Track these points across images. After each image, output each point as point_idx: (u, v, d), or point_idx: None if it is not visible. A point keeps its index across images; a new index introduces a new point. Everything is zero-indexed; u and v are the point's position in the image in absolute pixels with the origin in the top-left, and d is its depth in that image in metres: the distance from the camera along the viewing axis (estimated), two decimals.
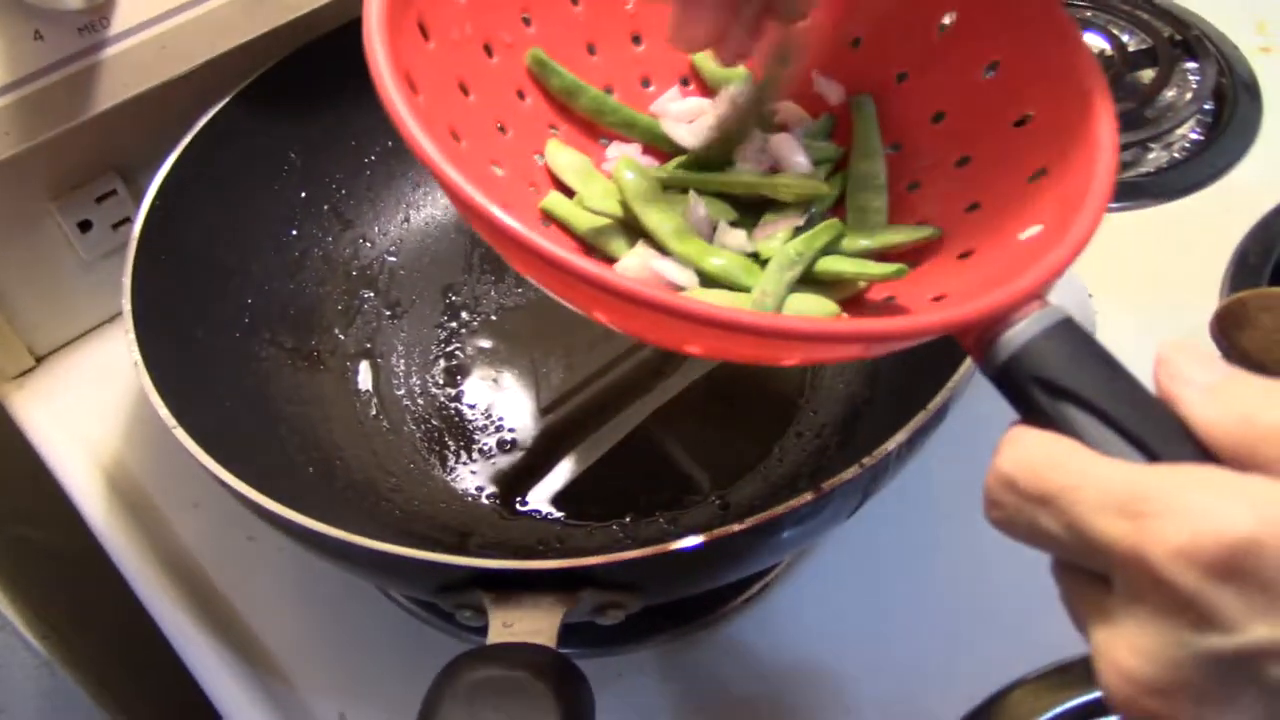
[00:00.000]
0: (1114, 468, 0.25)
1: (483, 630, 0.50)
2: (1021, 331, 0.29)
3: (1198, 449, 0.25)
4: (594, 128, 0.45)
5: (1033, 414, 0.29)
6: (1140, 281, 0.65)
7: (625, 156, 0.43)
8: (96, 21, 0.52)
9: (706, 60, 0.46)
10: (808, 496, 0.39)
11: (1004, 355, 0.29)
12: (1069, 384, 0.28)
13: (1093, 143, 0.34)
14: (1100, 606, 0.25)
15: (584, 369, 0.59)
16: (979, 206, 0.40)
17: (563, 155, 0.43)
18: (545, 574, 0.38)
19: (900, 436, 0.40)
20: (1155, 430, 0.26)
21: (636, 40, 0.46)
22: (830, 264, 0.40)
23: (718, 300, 0.38)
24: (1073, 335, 0.29)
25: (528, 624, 0.38)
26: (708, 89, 0.46)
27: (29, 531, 0.71)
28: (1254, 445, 0.24)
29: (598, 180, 0.42)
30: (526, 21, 0.43)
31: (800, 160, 0.43)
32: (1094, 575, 0.26)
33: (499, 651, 0.36)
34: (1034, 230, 0.35)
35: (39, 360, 0.63)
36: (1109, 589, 0.25)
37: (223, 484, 0.43)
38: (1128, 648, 0.24)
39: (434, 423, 0.57)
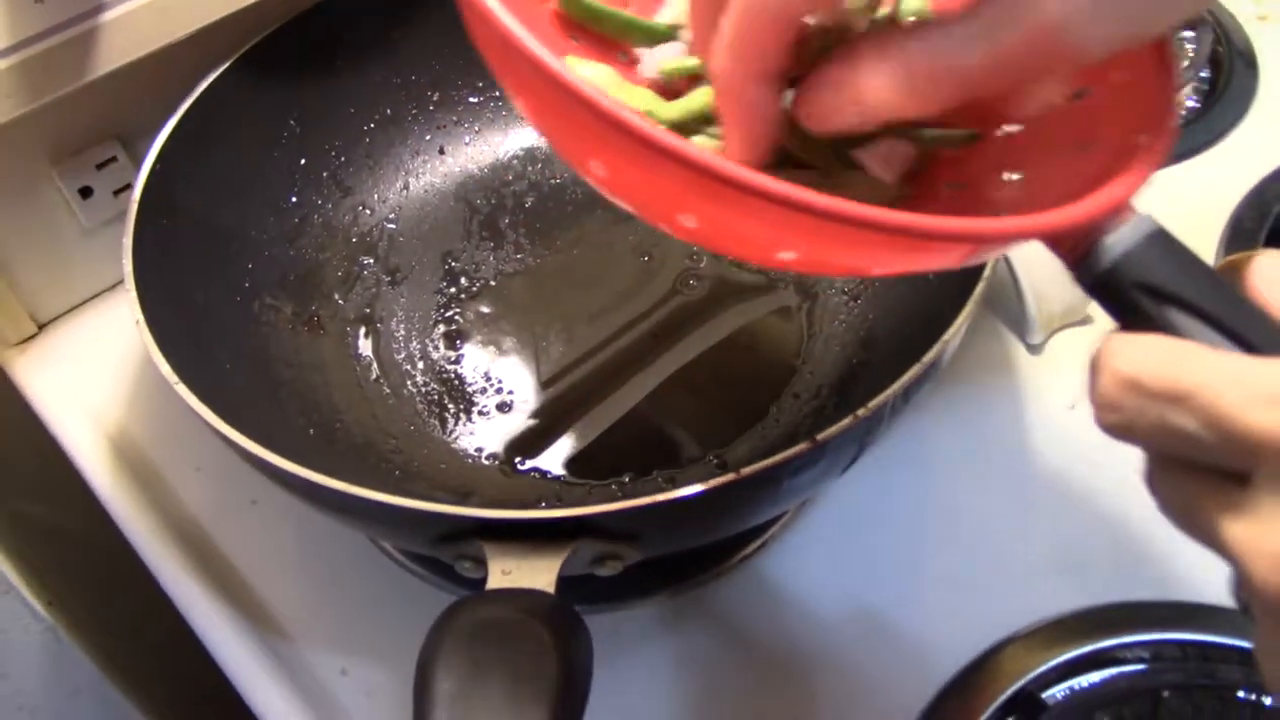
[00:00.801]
0: (1250, 362, 0.25)
1: (482, 583, 0.51)
2: (1122, 238, 0.29)
3: None
4: (611, 45, 0.43)
5: (1135, 321, 0.28)
6: None
7: (672, 57, 0.40)
8: None
9: None
10: (804, 446, 0.39)
11: (1105, 262, 0.29)
12: (1175, 289, 0.28)
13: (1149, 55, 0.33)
14: (1235, 503, 0.25)
15: (585, 341, 0.59)
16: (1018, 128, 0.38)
17: (586, 69, 0.42)
18: (544, 523, 0.39)
19: (895, 388, 0.41)
20: (1263, 333, 0.27)
21: None
22: None
23: None
24: (1170, 242, 0.29)
25: (526, 571, 0.38)
26: None
27: (31, 502, 0.71)
28: None
29: (634, 90, 0.41)
30: None
31: None
32: (1218, 474, 0.26)
33: (497, 596, 0.37)
34: (1087, 147, 0.34)
35: (41, 327, 0.64)
36: (1240, 485, 0.25)
37: (225, 439, 0.43)
38: None
39: (434, 386, 0.58)
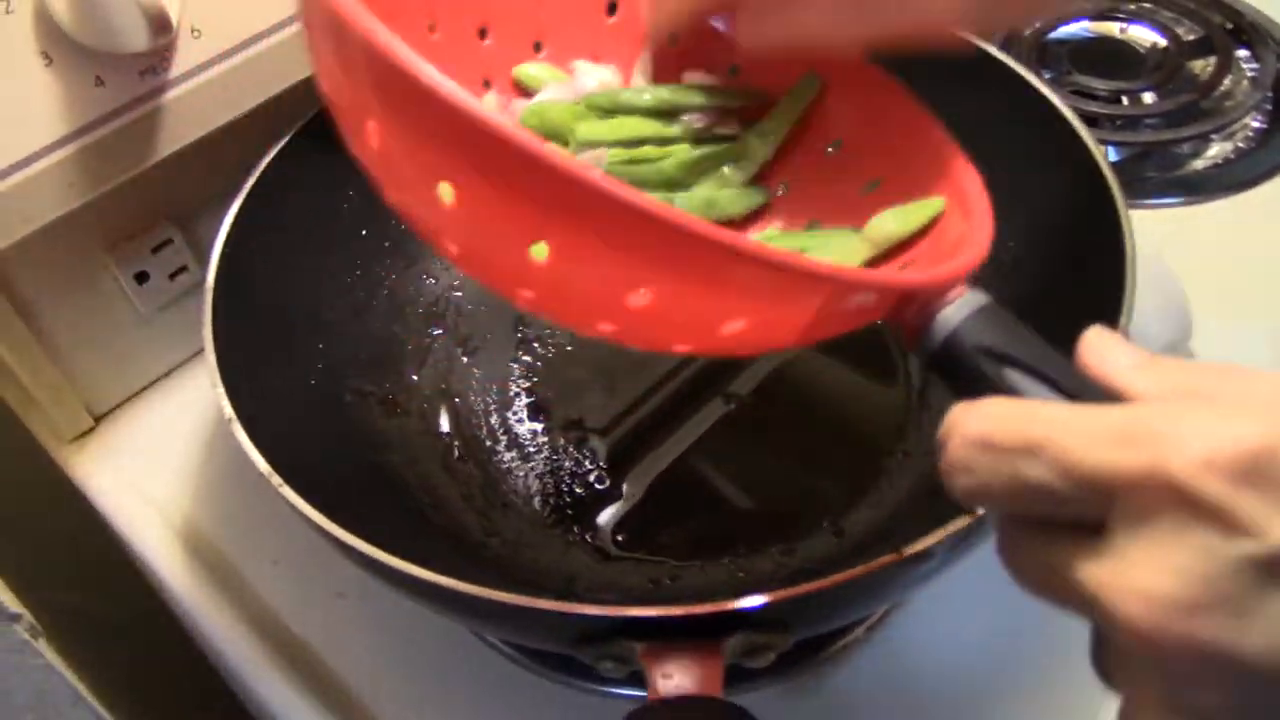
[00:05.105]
0: (1096, 409, 0.25)
1: (620, 681, 0.48)
2: (958, 310, 0.31)
3: None
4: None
5: (977, 386, 0.30)
6: (1222, 274, 0.64)
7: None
8: (158, 64, 0.50)
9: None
10: (967, 520, 0.37)
11: (945, 331, 0.31)
12: (1012, 350, 0.30)
13: (944, 161, 0.39)
14: (1092, 550, 0.25)
15: (675, 408, 0.56)
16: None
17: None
18: (702, 619, 0.36)
19: None
20: (1096, 395, 0.28)
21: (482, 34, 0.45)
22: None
23: None
24: (1003, 313, 0.32)
25: (688, 673, 0.36)
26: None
27: (87, 599, 0.68)
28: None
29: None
30: None
31: None
32: (1072, 526, 0.25)
33: (676, 708, 0.34)
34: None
35: (97, 420, 0.61)
36: (1094, 533, 0.25)
37: (338, 542, 0.40)
38: (1150, 571, 0.23)
39: (519, 462, 0.55)
